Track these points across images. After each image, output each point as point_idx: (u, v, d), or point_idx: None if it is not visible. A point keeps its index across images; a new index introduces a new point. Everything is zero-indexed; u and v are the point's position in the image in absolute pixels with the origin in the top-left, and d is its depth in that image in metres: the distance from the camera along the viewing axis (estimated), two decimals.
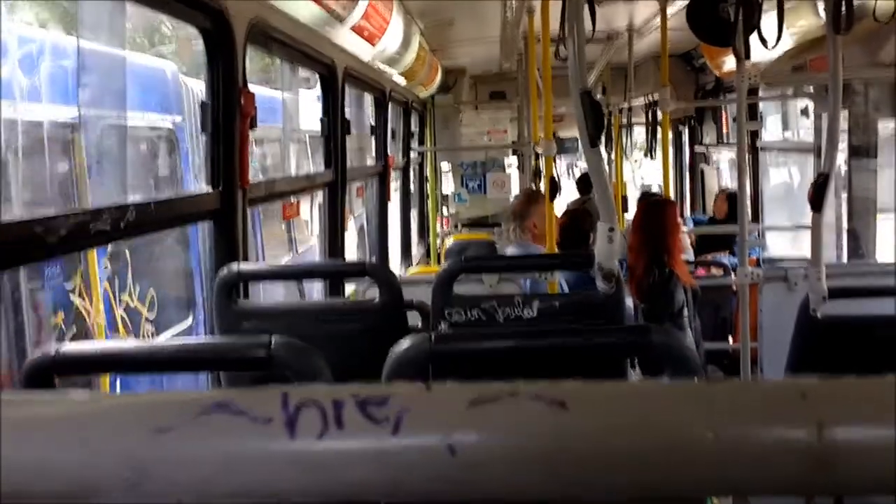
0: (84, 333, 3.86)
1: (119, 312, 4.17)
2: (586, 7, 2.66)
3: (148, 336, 4.47)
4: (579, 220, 5.02)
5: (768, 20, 3.06)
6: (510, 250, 4.30)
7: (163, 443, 0.38)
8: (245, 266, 2.52)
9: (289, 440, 0.38)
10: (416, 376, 1.38)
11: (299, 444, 0.38)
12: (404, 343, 1.39)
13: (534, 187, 5.30)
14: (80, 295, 3.85)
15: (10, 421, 0.40)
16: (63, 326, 3.75)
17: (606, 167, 8.21)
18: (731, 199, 6.36)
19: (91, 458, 0.39)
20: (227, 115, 2.65)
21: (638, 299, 4.31)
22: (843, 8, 2.62)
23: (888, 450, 0.37)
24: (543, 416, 0.38)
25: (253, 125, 2.79)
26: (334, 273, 3.34)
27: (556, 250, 4.13)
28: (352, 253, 6.94)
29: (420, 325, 3.12)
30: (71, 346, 1.44)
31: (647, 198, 6.72)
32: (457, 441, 0.37)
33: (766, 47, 2.87)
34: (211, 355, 1.46)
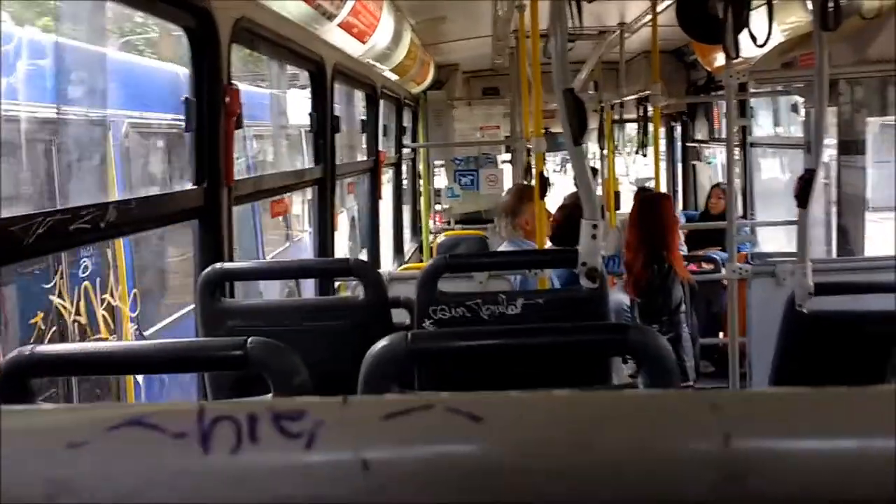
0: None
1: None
2: (573, 5, 2.66)
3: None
4: (575, 216, 5.00)
5: (757, 16, 3.06)
6: (503, 247, 4.29)
7: (77, 457, 0.38)
8: (229, 265, 2.52)
9: (202, 455, 0.38)
10: (393, 376, 1.37)
11: (213, 459, 0.38)
12: (382, 342, 1.39)
13: (525, 183, 5.29)
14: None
15: None
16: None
17: (599, 163, 8.22)
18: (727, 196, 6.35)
19: (7, 472, 0.38)
20: (212, 113, 2.64)
21: (635, 296, 4.31)
22: (831, 5, 2.62)
23: (796, 462, 0.37)
24: (457, 430, 0.38)
25: (239, 123, 2.78)
26: (319, 272, 3.33)
27: (550, 246, 4.13)
28: (343, 243, 6.98)
29: (408, 321, 3.12)
30: (46, 348, 1.44)
31: (643, 192, 6.73)
32: (370, 455, 0.37)
33: (756, 45, 2.87)
34: (187, 356, 1.46)
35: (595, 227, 2.49)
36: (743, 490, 0.36)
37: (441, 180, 9.19)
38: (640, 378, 1.39)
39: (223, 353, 1.41)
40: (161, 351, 1.50)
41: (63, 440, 0.38)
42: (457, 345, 1.47)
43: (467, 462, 0.37)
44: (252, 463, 0.38)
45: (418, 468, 0.37)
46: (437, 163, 9.05)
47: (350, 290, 3.70)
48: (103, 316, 4.03)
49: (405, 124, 7.57)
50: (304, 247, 7.33)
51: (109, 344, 1.73)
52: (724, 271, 4.40)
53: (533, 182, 4.44)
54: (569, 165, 19.10)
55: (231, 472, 0.38)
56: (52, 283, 3.58)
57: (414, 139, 8.27)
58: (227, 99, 2.69)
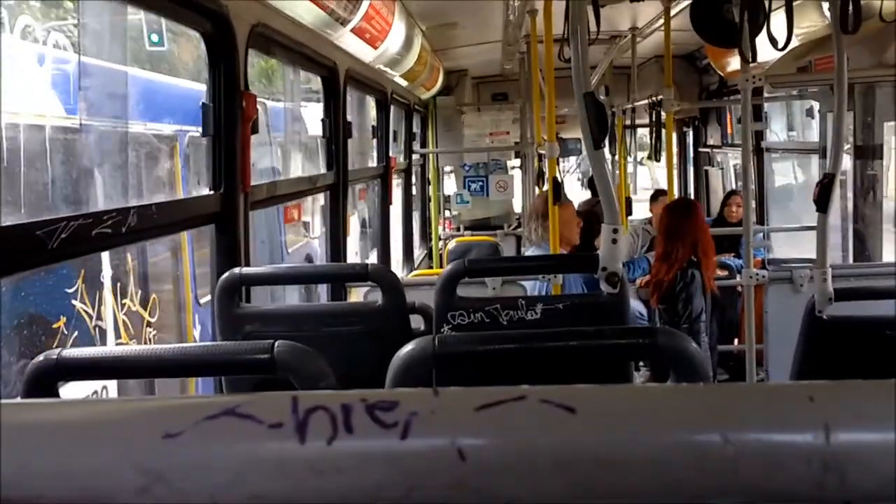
0: None
1: None
2: (590, 9, 2.65)
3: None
4: (591, 222, 4.98)
5: (774, 20, 3.05)
6: (531, 251, 4.26)
7: (172, 447, 0.37)
8: (247, 270, 2.51)
9: (299, 445, 0.37)
10: (420, 380, 1.36)
11: (309, 449, 0.37)
12: (408, 347, 1.38)
13: (537, 189, 5.29)
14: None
15: (21, 427, 0.39)
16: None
17: (610, 168, 8.20)
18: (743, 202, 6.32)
19: (101, 464, 0.38)
20: (229, 119, 2.64)
21: (657, 302, 4.27)
22: (850, 8, 2.61)
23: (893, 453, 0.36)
24: (552, 420, 0.37)
25: (255, 129, 2.78)
26: (337, 276, 3.33)
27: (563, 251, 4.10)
28: (354, 244, 7.12)
29: (423, 327, 3.11)
30: (73, 351, 1.43)
31: (659, 194, 6.70)
32: (466, 445, 0.37)
33: (777, 48, 2.86)
34: (214, 359, 1.45)
35: (616, 231, 2.48)
36: (843, 483, 0.35)
37: (450, 186, 9.19)
38: (670, 382, 1.37)
39: (250, 356, 1.40)
40: (187, 354, 1.49)
41: (159, 430, 0.38)
42: (484, 348, 1.46)
43: (563, 452, 0.37)
44: (348, 452, 0.37)
45: (514, 458, 0.36)
46: (446, 169, 9.05)
47: (362, 295, 3.69)
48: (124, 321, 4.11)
49: (415, 130, 7.58)
50: (321, 241, 7.74)
51: (136, 347, 1.72)
52: (739, 277, 4.38)
53: (543, 188, 4.43)
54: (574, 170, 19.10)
55: (328, 461, 0.37)
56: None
57: (423, 145, 8.27)
58: (244, 104, 2.69)
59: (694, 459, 0.37)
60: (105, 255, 4.15)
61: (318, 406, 0.37)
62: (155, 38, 5.55)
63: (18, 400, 0.42)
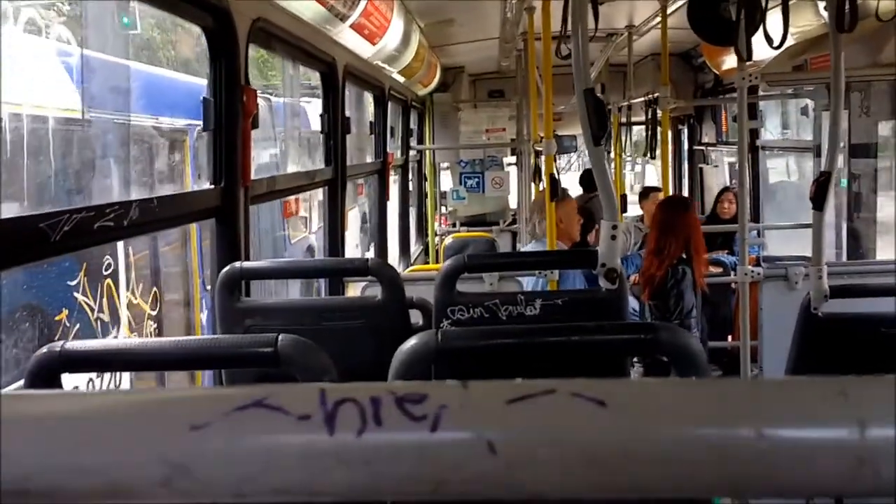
0: None
1: None
2: (589, 6, 2.66)
3: None
4: (585, 218, 4.99)
5: (770, 18, 3.06)
6: (530, 246, 4.27)
7: (198, 439, 0.38)
8: (247, 264, 2.52)
9: (328, 436, 0.38)
10: (423, 374, 1.37)
11: (339, 440, 0.38)
12: (412, 341, 1.39)
13: (534, 186, 5.29)
14: None
15: (43, 418, 0.39)
16: None
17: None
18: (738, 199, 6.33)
19: (125, 456, 0.38)
20: (230, 113, 2.65)
21: (648, 298, 4.30)
22: (847, 6, 2.62)
23: None
24: (584, 414, 0.38)
25: (255, 124, 2.79)
26: (337, 271, 3.34)
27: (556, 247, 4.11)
28: (354, 238, 7.21)
29: (421, 322, 3.12)
30: (76, 343, 1.43)
31: (649, 192, 6.72)
32: (497, 438, 0.37)
33: (772, 47, 2.87)
34: (218, 353, 1.46)
35: (615, 227, 2.49)
36: (878, 477, 0.36)
37: (447, 183, 9.19)
38: (671, 378, 1.38)
39: (253, 349, 1.41)
40: (191, 347, 1.50)
41: (185, 422, 0.38)
42: (487, 343, 1.47)
43: (594, 446, 0.37)
44: (378, 444, 0.38)
45: (546, 451, 0.37)
46: (442, 165, 9.06)
47: (359, 289, 3.70)
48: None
49: (412, 126, 7.58)
50: (318, 235, 7.86)
51: (138, 340, 1.73)
52: (734, 274, 4.40)
53: (541, 185, 4.44)
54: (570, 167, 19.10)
55: (357, 453, 0.38)
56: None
57: (420, 141, 8.27)
58: (245, 99, 2.70)
59: (727, 454, 0.37)
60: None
61: (346, 398, 0.38)
62: (126, 20, 5.28)
63: (39, 391, 0.42)
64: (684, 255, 4.13)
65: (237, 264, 2.44)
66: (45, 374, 1.38)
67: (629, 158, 10.98)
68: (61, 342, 1.41)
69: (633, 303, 5.17)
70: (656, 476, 0.37)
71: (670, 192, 6.40)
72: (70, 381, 1.51)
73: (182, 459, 0.38)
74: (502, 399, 0.38)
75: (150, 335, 4.58)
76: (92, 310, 3.94)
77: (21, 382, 1.59)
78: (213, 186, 2.64)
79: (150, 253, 4.84)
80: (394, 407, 0.38)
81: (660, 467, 0.37)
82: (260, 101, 2.79)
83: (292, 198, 7.02)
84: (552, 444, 0.37)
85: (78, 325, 3.84)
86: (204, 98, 2.64)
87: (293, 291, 6.04)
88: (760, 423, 0.37)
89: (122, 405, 0.40)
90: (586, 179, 8.21)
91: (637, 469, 0.37)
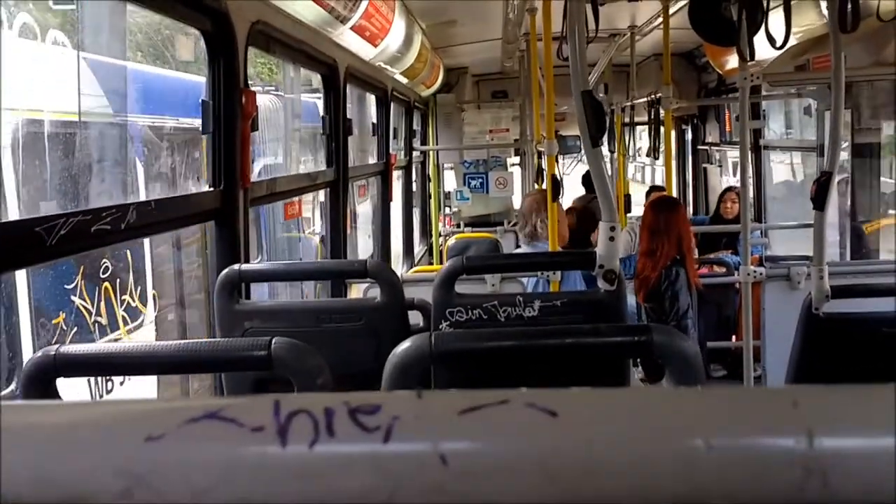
0: None
1: None
2: (588, 7, 2.66)
3: None
4: (587, 219, 4.98)
5: (772, 18, 3.05)
6: (523, 249, 4.25)
7: (154, 450, 0.38)
8: (246, 266, 2.52)
9: (280, 448, 0.38)
10: (417, 376, 1.37)
11: (291, 452, 0.38)
12: (405, 344, 1.39)
13: (536, 186, 5.29)
14: None
15: (3, 428, 0.40)
16: None
17: (609, 166, 8.24)
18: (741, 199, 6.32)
19: (83, 466, 0.38)
20: (229, 115, 2.65)
21: (643, 299, 4.30)
22: (849, 6, 2.61)
23: (880, 458, 0.37)
24: (534, 425, 0.38)
25: (255, 126, 2.79)
26: (336, 273, 3.34)
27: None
28: (367, 236, 7.26)
29: (422, 324, 3.12)
30: (71, 347, 1.44)
31: (654, 191, 6.72)
32: (448, 449, 0.37)
33: (775, 47, 2.86)
34: (212, 356, 1.46)
35: (613, 228, 2.48)
36: (826, 487, 0.36)
37: (451, 183, 9.20)
38: (666, 380, 1.38)
39: (247, 353, 1.41)
40: (185, 351, 1.50)
41: (140, 433, 0.38)
42: (480, 346, 1.47)
43: (544, 456, 0.37)
44: (330, 456, 0.38)
45: (497, 462, 0.37)
46: (446, 166, 9.06)
47: (362, 291, 3.70)
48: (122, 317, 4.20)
49: (415, 127, 7.58)
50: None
51: (134, 344, 1.73)
52: (737, 274, 4.39)
53: (544, 185, 4.43)
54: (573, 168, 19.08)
55: (310, 465, 0.38)
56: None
57: (424, 142, 8.28)
58: (244, 101, 2.70)
59: (676, 464, 0.37)
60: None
61: (300, 409, 0.38)
62: None
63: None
64: (678, 256, 4.13)
65: (236, 266, 2.44)
66: (41, 379, 1.39)
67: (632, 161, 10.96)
68: (57, 346, 1.41)
69: (633, 303, 5.16)
70: (606, 486, 0.37)
71: (674, 192, 6.38)
72: (70, 381, 1.51)
73: (138, 470, 0.38)
74: (455, 409, 0.38)
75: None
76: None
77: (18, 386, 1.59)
78: (212, 189, 2.65)
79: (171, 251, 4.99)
80: (347, 418, 0.38)
81: (610, 478, 0.37)
82: (274, 98, 2.80)
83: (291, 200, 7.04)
84: (503, 456, 0.37)
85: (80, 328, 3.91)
86: (203, 100, 2.65)
87: (303, 292, 6.08)
88: (709, 434, 0.37)
89: (79, 416, 0.40)
90: (588, 179, 8.21)
91: (588, 480, 0.37)
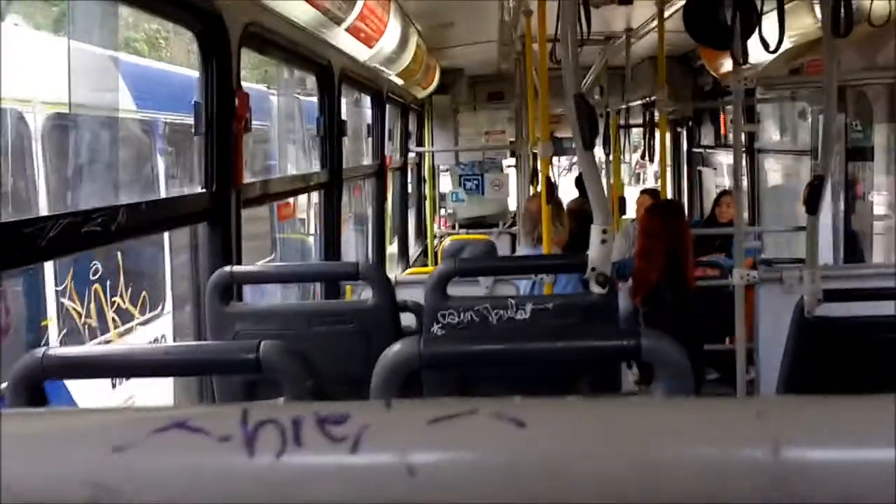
0: None
1: None
2: (581, 10, 2.66)
3: None
4: (583, 220, 4.96)
5: (766, 22, 3.06)
6: (523, 251, 4.25)
7: (120, 461, 0.38)
8: (238, 268, 2.52)
9: (247, 458, 0.37)
10: (406, 380, 1.37)
11: (258, 463, 0.37)
12: (395, 347, 1.38)
13: (531, 189, 5.28)
14: None
15: None
16: None
17: (604, 168, 8.24)
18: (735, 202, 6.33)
19: (47, 477, 0.38)
20: (222, 116, 2.65)
21: (640, 304, 4.29)
22: (842, 11, 2.62)
23: (846, 468, 0.37)
24: (502, 435, 0.38)
25: (247, 127, 2.79)
26: (328, 275, 3.33)
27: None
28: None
29: (415, 326, 3.12)
30: (59, 350, 1.43)
31: (649, 194, 6.72)
32: (416, 460, 0.37)
33: (769, 50, 2.86)
34: (200, 359, 1.45)
35: (605, 232, 2.48)
36: (791, 498, 0.36)
37: (446, 185, 9.20)
38: (654, 384, 1.38)
39: (235, 356, 1.40)
40: (174, 354, 1.50)
41: (107, 443, 0.38)
42: (470, 349, 1.47)
43: (511, 467, 0.37)
44: (297, 467, 0.37)
45: (464, 473, 0.37)
46: (442, 167, 9.06)
47: (356, 293, 3.70)
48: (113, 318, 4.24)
49: (410, 129, 7.58)
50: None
51: (122, 346, 1.73)
52: (730, 277, 4.40)
53: (538, 187, 4.43)
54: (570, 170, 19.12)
55: (276, 475, 0.37)
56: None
57: (419, 143, 8.28)
58: (237, 102, 2.70)
59: (642, 474, 0.37)
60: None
61: (268, 419, 0.38)
62: None
63: None
64: (674, 260, 4.13)
65: (227, 268, 2.43)
66: (28, 382, 1.38)
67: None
68: (44, 348, 1.40)
69: (629, 306, 5.17)
70: (573, 497, 0.37)
71: (668, 195, 6.39)
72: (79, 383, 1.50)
73: (105, 481, 0.38)
74: (424, 419, 0.38)
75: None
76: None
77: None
78: (204, 190, 2.64)
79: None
80: (314, 428, 0.38)
81: (576, 488, 0.37)
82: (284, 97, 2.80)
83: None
84: (471, 466, 0.37)
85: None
86: (195, 101, 2.64)
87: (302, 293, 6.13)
88: (677, 443, 0.37)
89: (45, 426, 0.40)
90: (582, 182, 8.21)
91: (554, 490, 0.37)
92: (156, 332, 4.65)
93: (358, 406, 0.39)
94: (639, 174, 20.97)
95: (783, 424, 0.37)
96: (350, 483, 0.37)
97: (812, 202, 2.82)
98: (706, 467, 0.37)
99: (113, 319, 4.15)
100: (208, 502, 0.37)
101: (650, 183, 16.95)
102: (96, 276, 3.98)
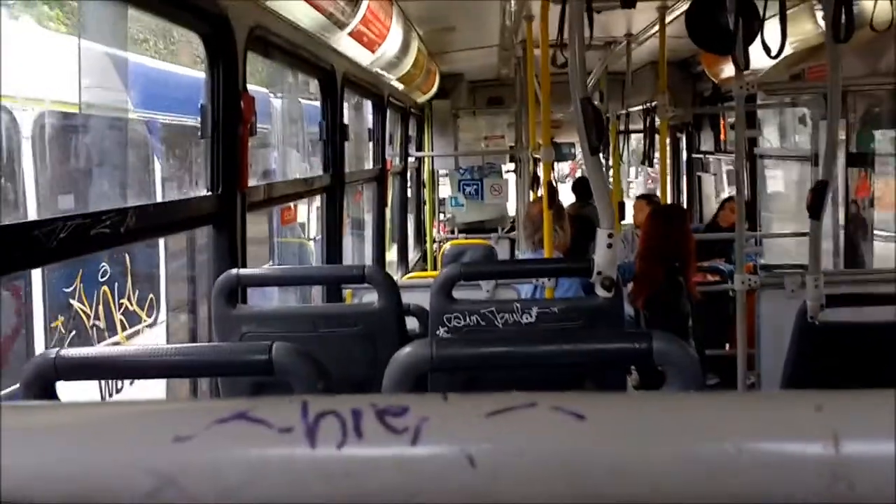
0: None
1: None
2: (585, 15, 2.67)
3: None
4: (583, 225, 4.98)
5: (768, 28, 3.07)
6: (524, 254, 4.25)
7: (182, 451, 0.38)
8: (244, 271, 2.52)
9: (309, 449, 0.38)
10: (418, 382, 1.37)
11: (320, 453, 0.38)
12: (406, 349, 1.39)
13: (532, 194, 5.29)
14: None
15: (30, 428, 0.40)
16: None
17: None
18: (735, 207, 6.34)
19: (110, 466, 0.38)
20: (228, 120, 2.65)
21: (642, 308, 4.30)
22: (844, 17, 2.63)
23: None
24: (562, 428, 0.38)
25: (253, 130, 2.79)
26: (333, 278, 3.33)
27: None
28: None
29: (418, 329, 3.12)
30: (71, 351, 1.43)
31: (646, 199, 6.74)
32: (476, 451, 0.38)
33: (770, 56, 2.88)
34: (212, 360, 1.45)
35: (611, 236, 2.49)
36: (852, 492, 0.36)
37: (446, 190, 9.20)
38: (665, 387, 1.38)
39: (247, 357, 1.41)
40: (185, 355, 1.50)
41: (169, 433, 0.38)
42: (481, 351, 1.47)
43: (571, 459, 0.38)
44: (358, 457, 0.38)
45: (525, 465, 0.37)
46: (441, 172, 9.07)
47: (357, 296, 3.70)
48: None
49: (410, 133, 7.59)
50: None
51: (134, 347, 1.72)
52: (731, 283, 4.41)
53: (539, 192, 4.44)
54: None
55: (338, 466, 0.38)
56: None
57: (419, 148, 8.29)
58: (243, 105, 2.70)
59: (704, 469, 0.37)
60: None
61: (328, 411, 0.38)
62: None
63: (26, 402, 0.42)
64: (677, 264, 4.14)
65: (233, 271, 2.43)
66: (41, 382, 1.38)
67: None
68: (56, 349, 1.40)
69: (629, 310, 5.17)
70: (633, 490, 0.37)
71: (668, 200, 6.40)
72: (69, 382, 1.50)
73: (167, 470, 0.38)
74: (483, 412, 0.38)
75: None
76: None
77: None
78: (210, 193, 2.65)
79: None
80: (374, 420, 0.38)
81: (638, 480, 0.37)
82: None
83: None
84: (531, 458, 0.37)
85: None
86: (201, 104, 2.65)
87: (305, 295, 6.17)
88: (738, 438, 0.37)
89: (109, 416, 0.40)
90: (579, 187, 8.23)
91: (615, 483, 0.37)
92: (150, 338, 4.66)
93: (415, 398, 0.39)
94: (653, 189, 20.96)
95: (843, 418, 0.38)
96: (411, 474, 0.38)
97: (815, 207, 2.83)
98: (766, 462, 0.37)
99: (121, 321, 4.16)
100: (270, 493, 0.38)
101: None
102: (104, 279, 3.98)
